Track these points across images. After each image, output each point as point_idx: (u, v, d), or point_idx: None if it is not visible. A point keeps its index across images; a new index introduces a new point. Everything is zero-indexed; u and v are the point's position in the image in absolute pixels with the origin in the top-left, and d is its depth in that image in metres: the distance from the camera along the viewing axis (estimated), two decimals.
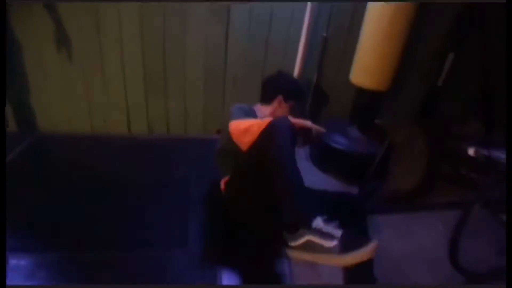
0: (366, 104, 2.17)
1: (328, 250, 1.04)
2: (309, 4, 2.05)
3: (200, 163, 2.09)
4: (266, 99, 1.67)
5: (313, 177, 2.20)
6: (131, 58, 2.15)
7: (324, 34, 2.17)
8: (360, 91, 2.13)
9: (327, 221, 1.11)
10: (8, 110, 2.26)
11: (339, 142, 2.17)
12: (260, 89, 1.75)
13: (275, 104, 1.64)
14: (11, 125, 2.29)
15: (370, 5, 1.89)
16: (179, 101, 2.34)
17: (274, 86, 1.67)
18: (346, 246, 1.04)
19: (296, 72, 2.23)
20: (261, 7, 2.08)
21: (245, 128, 1.28)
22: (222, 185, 1.49)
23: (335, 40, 2.23)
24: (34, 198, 1.79)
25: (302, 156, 2.42)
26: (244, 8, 2.07)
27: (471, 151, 1.52)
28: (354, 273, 1.33)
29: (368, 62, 1.98)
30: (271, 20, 2.14)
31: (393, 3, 1.77)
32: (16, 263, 1.39)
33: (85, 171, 2.05)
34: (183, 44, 2.15)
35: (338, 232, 1.07)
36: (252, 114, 1.57)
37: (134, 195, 1.87)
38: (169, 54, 2.17)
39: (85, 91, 2.24)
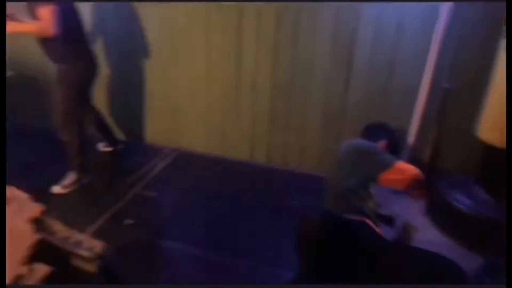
0: (497, 163, 1.94)
1: None
2: (433, 54, 2.06)
3: (307, 196, 2.26)
4: None
5: (429, 234, 2.06)
6: (261, 96, 2.56)
7: (447, 85, 2.10)
8: (490, 149, 1.93)
9: None
10: (159, 128, 3.00)
11: (462, 201, 1.98)
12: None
13: None
14: (163, 142, 3.04)
15: (502, 54, 1.78)
16: (298, 137, 2.59)
17: (368, 137, 1.74)
18: None
19: (414, 121, 2.21)
20: (383, 54, 2.21)
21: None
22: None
23: (459, 92, 2.13)
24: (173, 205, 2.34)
25: (417, 210, 2.27)
26: (366, 55, 2.24)
27: None
28: None
29: (500, 118, 1.81)
30: (393, 66, 2.22)
31: None
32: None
33: (213, 186, 2.51)
34: (308, 86, 2.43)
35: None
36: None
37: (249, 213, 2.24)
38: (295, 94, 2.48)
39: (221, 119, 2.76)
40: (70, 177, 2.42)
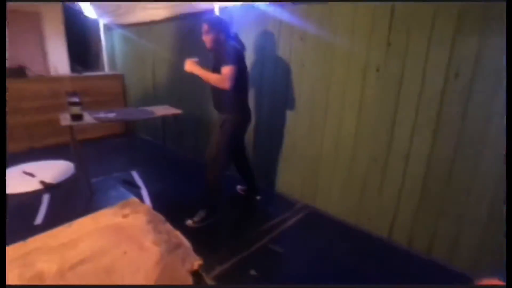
0: None
1: None
2: None
3: None
4: None
5: None
6: (414, 169, 2.30)
7: None
8: None
9: None
10: (296, 182, 2.98)
11: None
12: None
13: None
14: (297, 196, 3.02)
15: None
16: (452, 226, 2.19)
17: None
18: None
19: None
20: None
21: None
22: None
23: None
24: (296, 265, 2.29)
25: None
26: None
27: None
28: None
29: None
30: None
31: None
32: None
33: (341, 255, 2.33)
34: (475, 168, 2.06)
35: None
36: None
37: None
38: (456, 173, 2.13)
39: (362, 187, 2.59)
40: (200, 214, 2.63)
